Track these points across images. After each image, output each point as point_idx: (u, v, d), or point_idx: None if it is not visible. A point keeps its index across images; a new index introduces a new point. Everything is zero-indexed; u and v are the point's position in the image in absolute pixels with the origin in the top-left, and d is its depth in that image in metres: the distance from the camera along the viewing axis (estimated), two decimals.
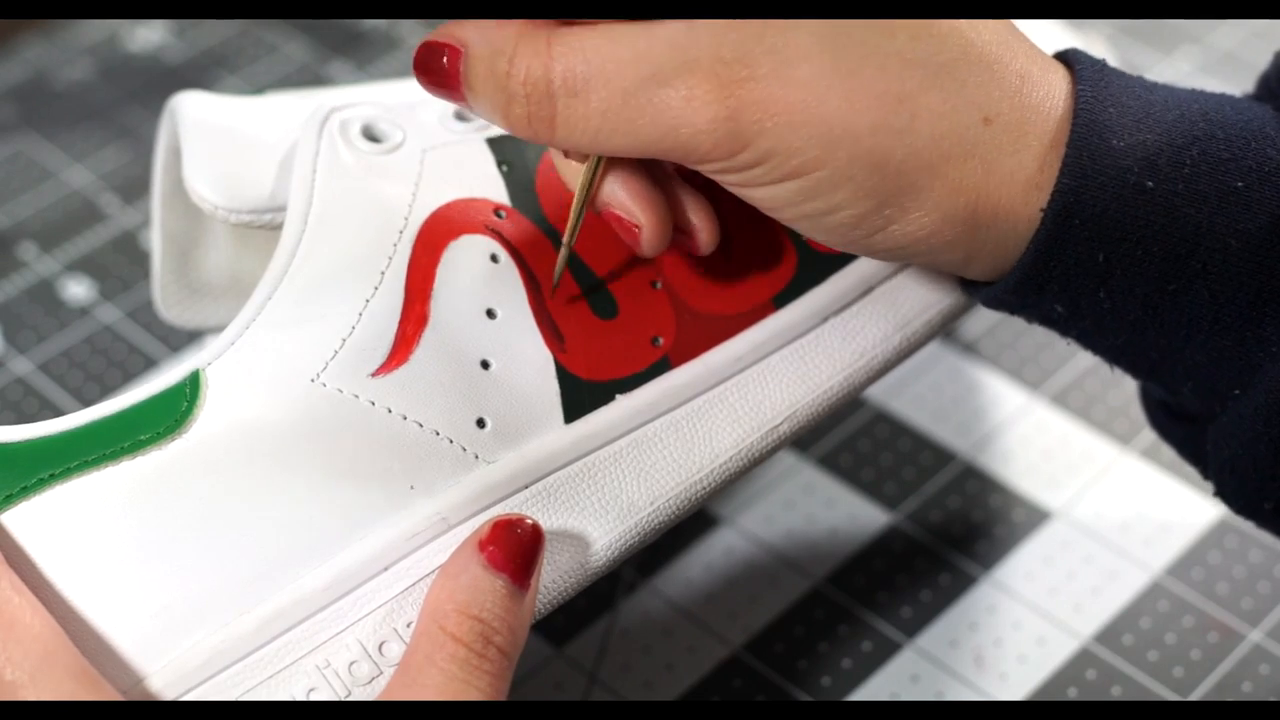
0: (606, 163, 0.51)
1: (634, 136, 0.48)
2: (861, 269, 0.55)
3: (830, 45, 0.47)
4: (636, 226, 0.51)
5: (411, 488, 0.50)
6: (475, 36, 0.48)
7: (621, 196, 0.51)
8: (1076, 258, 0.49)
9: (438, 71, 0.49)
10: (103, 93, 0.82)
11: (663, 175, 0.52)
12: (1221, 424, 0.51)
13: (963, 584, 0.63)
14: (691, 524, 0.64)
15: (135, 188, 0.78)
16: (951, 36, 0.48)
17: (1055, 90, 0.49)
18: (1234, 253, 0.48)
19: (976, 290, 0.53)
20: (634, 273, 0.54)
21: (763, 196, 0.49)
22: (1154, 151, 0.49)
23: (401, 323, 0.51)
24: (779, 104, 0.47)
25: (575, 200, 0.51)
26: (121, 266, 0.74)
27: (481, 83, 0.49)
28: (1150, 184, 0.48)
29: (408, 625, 0.50)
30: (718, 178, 0.49)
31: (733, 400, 0.53)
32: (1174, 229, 0.48)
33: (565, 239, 0.52)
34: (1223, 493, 0.53)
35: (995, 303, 0.52)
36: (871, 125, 0.47)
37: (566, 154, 0.51)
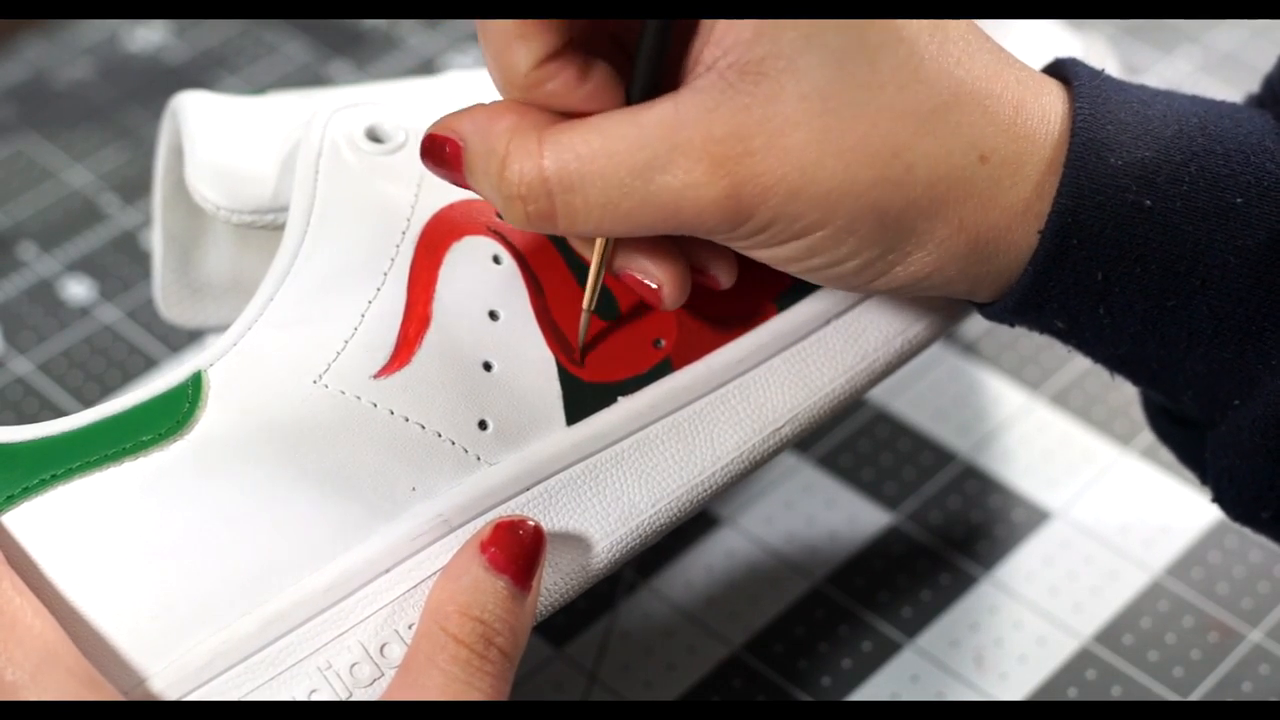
0: None
1: (637, 222, 0.48)
2: None
3: (819, 108, 0.47)
4: (657, 286, 0.51)
5: (413, 489, 0.50)
6: (471, 132, 0.48)
7: (639, 260, 0.51)
8: (1075, 277, 0.49)
9: (443, 161, 0.49)
10: (103, 93, 0.82)
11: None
12: (1221, 433, 0.51)
13: (963, 584, 0.63)
14: (692, 525, 0.64)
15: (135, 188, 0.78)
16: (940, 79, 0.48)
17: (1051, 112, 0.49)
18: (1233, 269, 0.48)
19: (977, 305, 0.53)
20: None
21: (769, 256, 0.49)
22: (1152, 169, 0.48)
23: (404, 324, 0.51)
24: (776, 175, 0.47)
25: (593, 268, 0.51)
26: (121, 266, 0.74)
27: (480, 179, 0.49)
28: (1148, 202, 0.48)
29: (409, 627, 0.50)
30: (723, 243, 0.49)
31: (735, 402, 0.53)
32: (1173, 246, 0.48)
33: (585, 304, 0.52)
34: (1220, 500, 0.53)
35: (996, 318, 0.51)
36: (870, 181, 0.47)
37: None
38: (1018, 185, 0.48)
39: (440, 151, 0.49)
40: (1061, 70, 0.51)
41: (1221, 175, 0.48)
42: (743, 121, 0.46)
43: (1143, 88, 0.51)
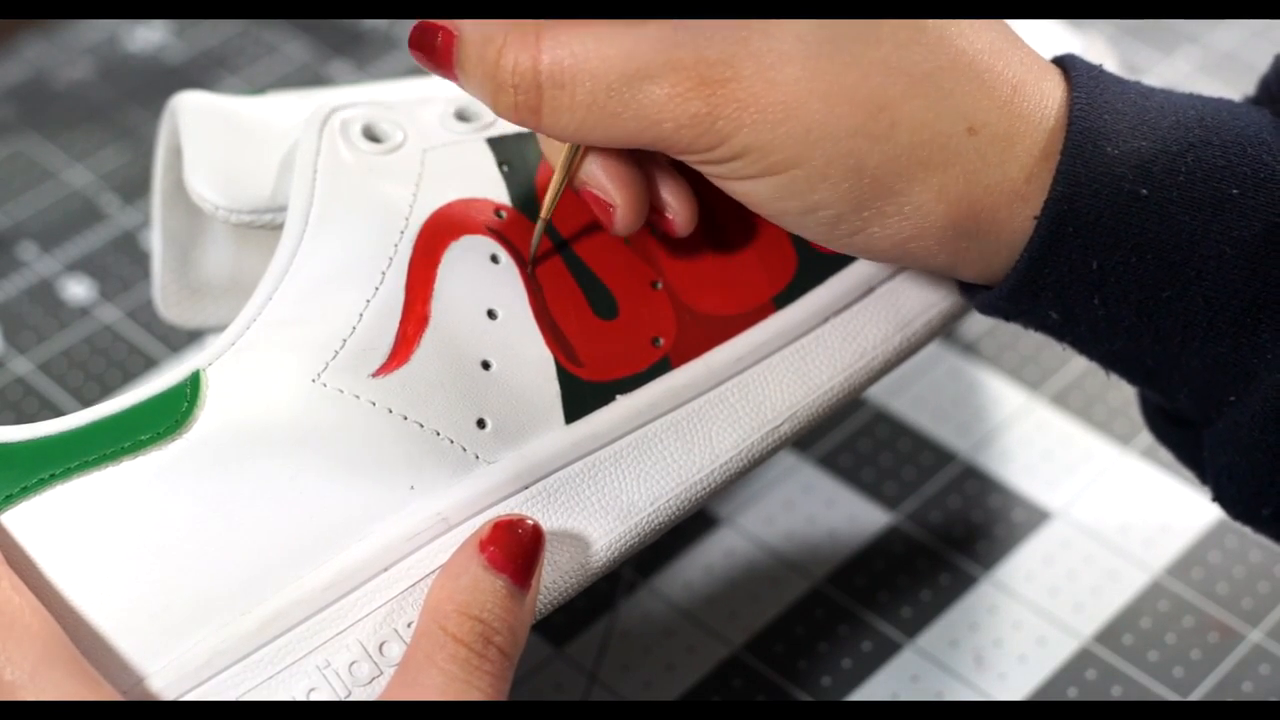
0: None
1: (616, 129, 0.49)
2: (862, 269, 0.55)
3: (815, 50, 0.47)
4: (611, 206, 0.51)
5: (412, 488, 0.50)
6: (468, 22, 0.49)
7: (600, 176, 0.51)
8: (1070, 265, 0.49)
9: (431, 50, 0.50)
10: (103, 93, 0.82)
11: (644, 157, 0.52)
12: (1218, 430, 0.51)
13: (963, 584, 0.63)
14: (692, 524, 0.64)
15: (135, 188, 0.78)
16: (940, 45, 0.48)
17: (1049, 98, 0.49)
18: (1229, 260, 0.48)
19: (973, 296, 0.53)
20: (634, 273, 0.54)
21: (743, 190, 0.50)
22: (1149, 159, 0.49)
23: (402, 323, 0.51)
24: (759, 103, 0.47)
25: (555, 177, 0.52)
26: (121, 266, 0.75)
27: (472, 67, 0.49)
28: (1145, 191, 0.48)
29: (408, 625, 0.50)
30: (699, 169, 0.50)
31: (733, 401, 0.53)
32: (1169, 236, 0.48)
33: (542, 215, 0.53)
34: (1220, 498, 0.53)
35: (990, 309, 0.52)
36: (850, 129, 0.48)
37: None
38: (1006, 164, 0.49)
39: (430, 40, 0.50)
40: (1058, 63, 0.51)
41: (1218, 166, 0.49)
42: (736, 51, 0.47)
43: (1139, 83, 0.51)
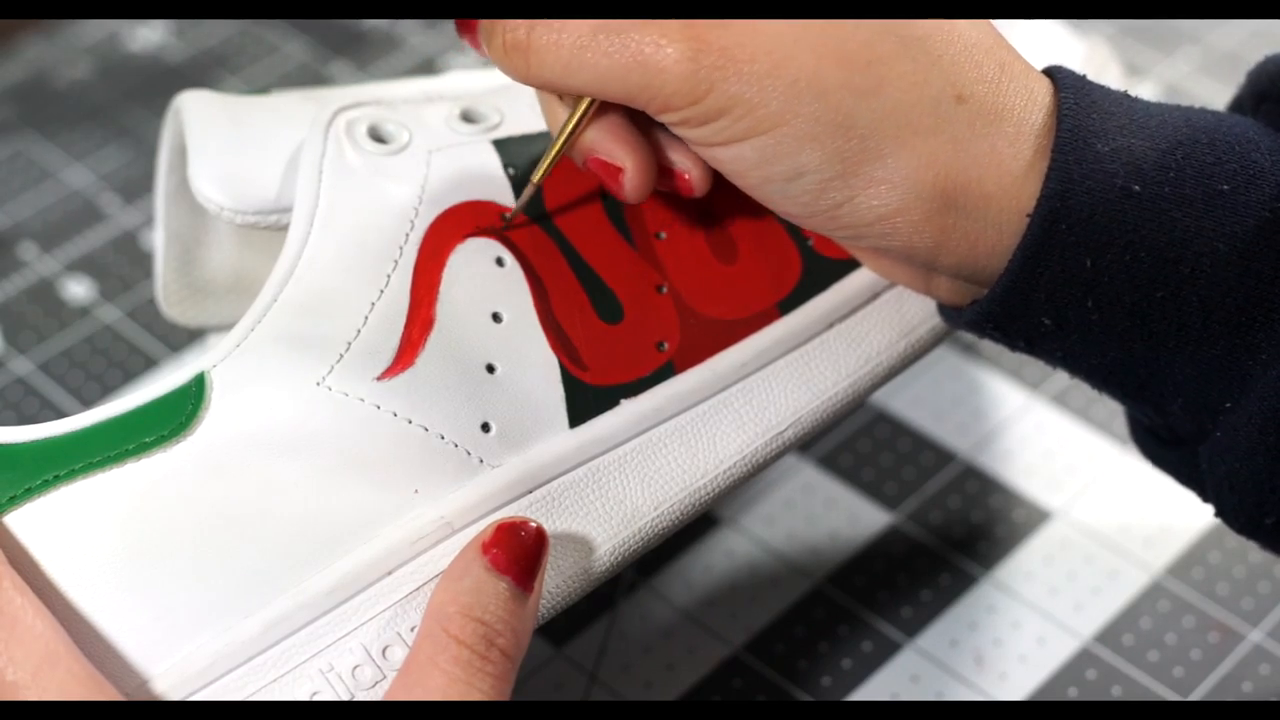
0: (592, 113, 0.51)
1: (601, 71, 0.49)
2: (867, 274, 0.55)
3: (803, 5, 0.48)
4: (620, 169, 0.51)
5: (416, 492, 0.50)
6: None
7: (605, 140, 0.51)
8: (1063, 264, 0.49)
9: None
10: (103, 93, 0.82)
11: (646, 124, 0.52)
12: (1215, 440, 0.51)
13: (963, 584, 0.63)
14: (692, 524, 0.64)
15: (135, 188, 0.78)
16: (929, 15, 0.49)
17: (1036, 92, 0.50)
18: (1222, 257, 0.48)
19: (958, 316, 0.52)
20: (639, 277, 0.54)
21: (729, 157, 0.50)
22: (1139, 156, 0.49)
23: (407, 326, 0.51)
24: (745, 51, 0.48)
25: (555, 141, 0.52)
26: (121, 266, 0.74)
27: (483, 24, 0.51)
28: (1137, 188, 0.48)
29: (411, 629, 0.50)
30: (683, 133, 0.50)
31: (738, 406, 0.53)
32: (1162, 233, 0.48)
33: (534, 178, 0.53)
34: (1223, 512, 0.52)
35: (981, 318, 0.51)
36: (838, 83, 0.48)
37: (561, 98, 0.52)
38: (994, 137, 0.49)
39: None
40: (1044, 71, 0.51)
41: (1207, 163, 0.49)
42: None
43: (1125, 92, 0.51)
